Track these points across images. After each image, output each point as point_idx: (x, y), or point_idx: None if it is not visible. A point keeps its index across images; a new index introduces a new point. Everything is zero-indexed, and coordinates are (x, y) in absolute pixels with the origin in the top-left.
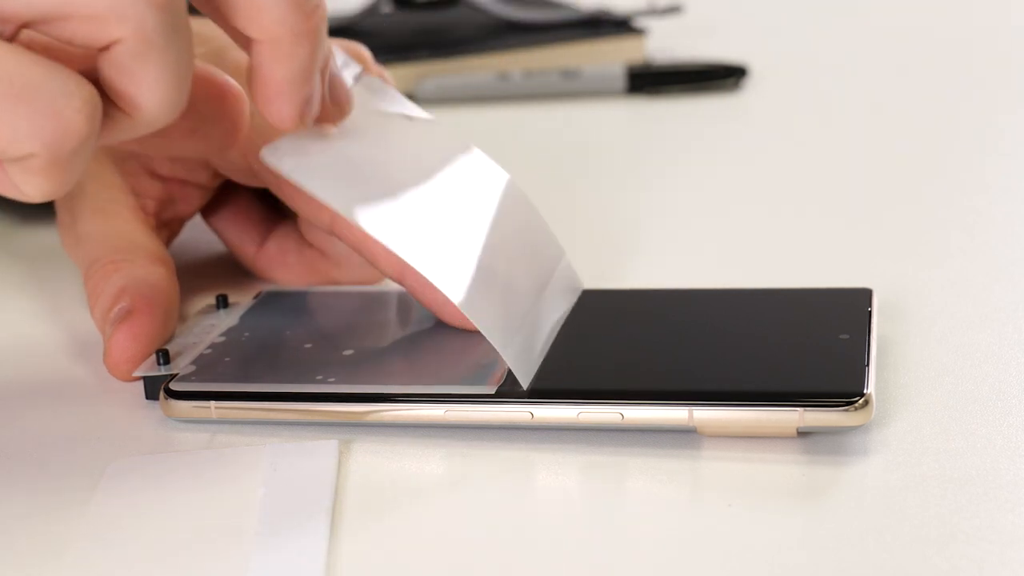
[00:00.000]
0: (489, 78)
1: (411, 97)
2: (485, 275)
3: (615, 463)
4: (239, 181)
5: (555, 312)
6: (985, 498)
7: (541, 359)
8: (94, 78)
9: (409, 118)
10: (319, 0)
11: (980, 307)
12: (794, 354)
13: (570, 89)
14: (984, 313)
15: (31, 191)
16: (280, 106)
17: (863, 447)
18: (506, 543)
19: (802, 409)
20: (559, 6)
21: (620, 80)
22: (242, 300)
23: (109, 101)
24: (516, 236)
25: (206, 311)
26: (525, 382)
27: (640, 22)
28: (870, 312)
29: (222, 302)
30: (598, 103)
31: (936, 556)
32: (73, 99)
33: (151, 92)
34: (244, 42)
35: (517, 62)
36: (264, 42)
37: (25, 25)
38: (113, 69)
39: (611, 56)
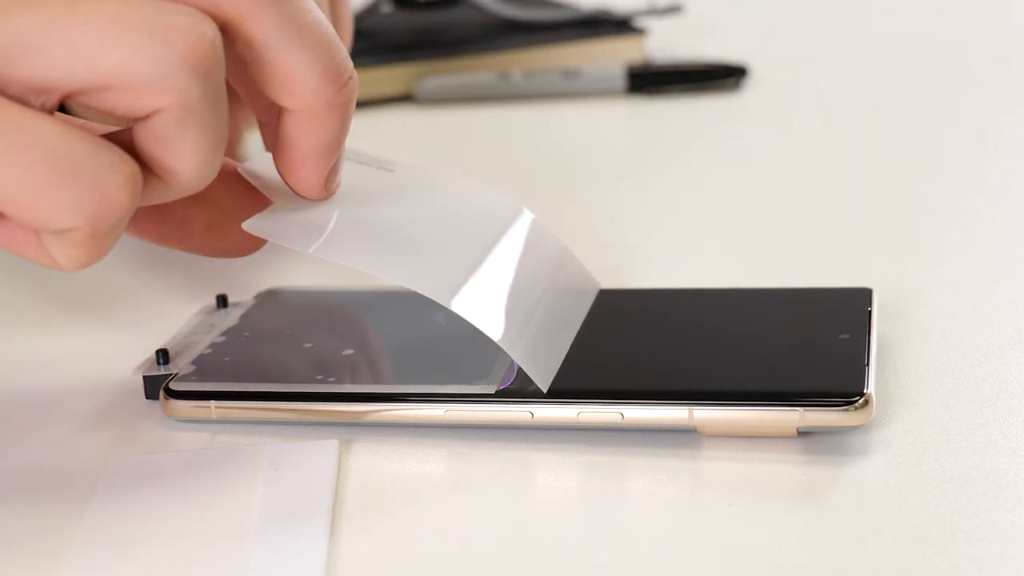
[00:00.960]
0: (489, 78)
1: (411, 97)
2: (483, 279)
3: (615, 463)
4: None
5: (569, 311)
6: (985, 498)
7: (560, 359)
8: (126, 145)
9: (387, 170)
10: (352, 72)
11: (980, 307)
12: (794, 354)
13: (570, 89)
14: (984, 313)
15: (67, 263)
16: (306, 175)
17: (863, 447)
18: (506, 543)
19: (802, 409)
20: (559, 6)
21: (620, 80)
22: (242, 300)
23: (143, 166)
24: (510, 237)
25: (206, 311)
26: (544, 383)
27: (640, 22)
28: (870, 312)
29: (222, 302)
30: (598, 103)
31: (936, 556)
32: (117, 174)
33: (189, 159)
34: (267, 112)
35: (517, 62)
36: (297, 112)
37: (67, 96)
38: (152, 138)
39: (611, 56)
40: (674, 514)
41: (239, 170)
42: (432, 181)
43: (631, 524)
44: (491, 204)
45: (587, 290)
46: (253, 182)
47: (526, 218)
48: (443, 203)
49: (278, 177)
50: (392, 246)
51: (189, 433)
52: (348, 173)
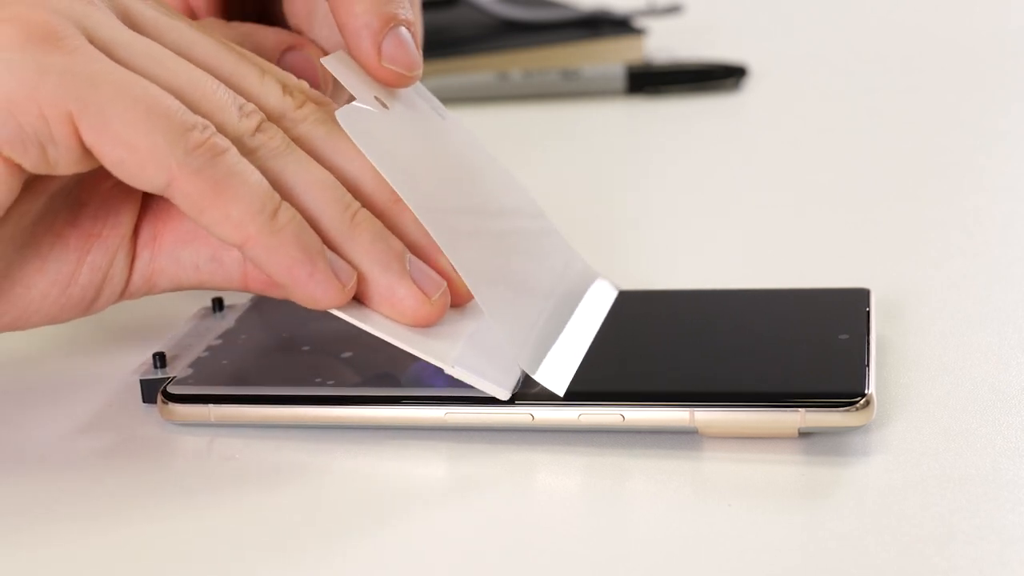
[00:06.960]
0: (489, 78)
1: None
2: (500, 271)
3: (616, 464)
4: None
5: (578, 314)
6: (985, 498)
7: (574, 364)
8: None
9: (440, 116)
10: None
11: (980, 307)
12: (795, 355)
13: (570, 89)
14: (984, 313)
15: None
16: (357, 44)
17: (863, 447)
18: (508, 545)
19: (804, 410)
20: (559, 6)
21: (620, 80)
22: (238, 303)
23: None
24: (522, 233)
25: (202, 314)
26: (558, 388)
27: (640, 22)
28: (868, 312)
29: (218, 305)
30: (598, 103)
31: (936, 556)
32: None
33: None
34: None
35: (517, 62)
36: None
37: None
38: None
39: (611, 56)
40: (675, 515)
41: (322, 61)
42: (475, 143)
43: (632, 525)
44: (511, 186)
45: (601, 293)
46: (335, 73)
47: (540, 213)
48: (473, 162)
49: (354, 72)
50: (422, 170)
51: (187, 436)
52: (412, 102)
